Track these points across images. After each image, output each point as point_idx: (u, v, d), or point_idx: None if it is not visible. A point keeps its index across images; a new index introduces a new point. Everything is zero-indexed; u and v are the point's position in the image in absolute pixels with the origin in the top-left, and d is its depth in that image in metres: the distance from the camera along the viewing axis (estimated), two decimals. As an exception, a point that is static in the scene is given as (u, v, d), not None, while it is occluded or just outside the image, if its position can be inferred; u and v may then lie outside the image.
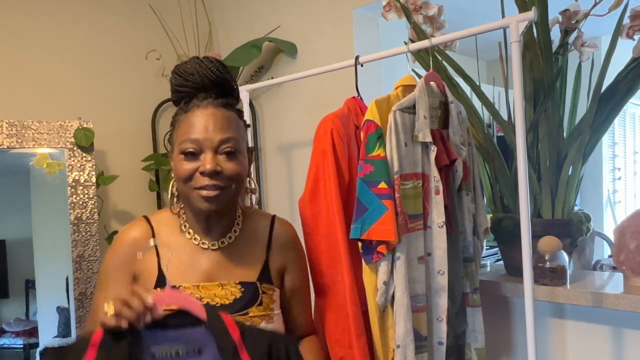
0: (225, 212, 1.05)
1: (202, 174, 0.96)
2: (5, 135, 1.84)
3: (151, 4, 2.30)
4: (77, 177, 1.92)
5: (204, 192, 0.96)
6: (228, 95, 1.04)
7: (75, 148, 1.94)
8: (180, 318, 0.84)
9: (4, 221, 1.82)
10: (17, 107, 1.93)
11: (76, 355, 0.77)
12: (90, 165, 1.96)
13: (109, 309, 0.79)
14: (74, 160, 1.94)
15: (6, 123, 1.84)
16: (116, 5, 2.21)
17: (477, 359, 1.39)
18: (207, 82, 1.01)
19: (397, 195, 1.17)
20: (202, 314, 0.84)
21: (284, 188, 2.20)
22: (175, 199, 1.08)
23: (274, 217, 1.16)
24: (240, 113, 1.06)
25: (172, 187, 1.06)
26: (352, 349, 1.19)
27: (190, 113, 0.99)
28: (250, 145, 1.10)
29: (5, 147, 1.83)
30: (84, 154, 1.96)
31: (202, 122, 0.97)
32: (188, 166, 0.97)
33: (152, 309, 0.81)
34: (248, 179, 1.10)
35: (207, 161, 0.96)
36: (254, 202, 1.16)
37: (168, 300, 0.84)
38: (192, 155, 0.97)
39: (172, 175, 1.04)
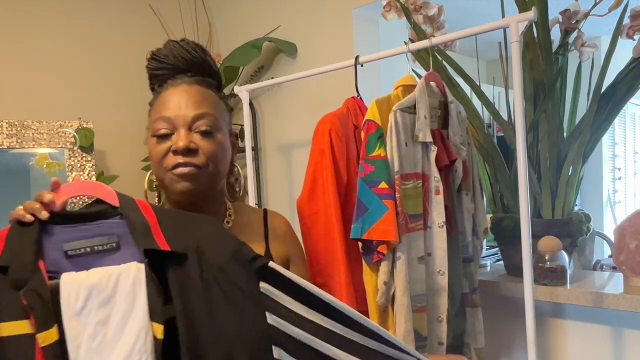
0: (209, 200, 0.95)
1: (175, 152, 0.88)
2: (5, 135, 1.84)
3: (151, 4, 2.30)
4: (77, 177, 1.92)
5: (178, 170, 0.87)
6: (206, 76, 0.98)
7: (75, 148, 1.94)
8: (95, 209, 0.74)
9: (4, 221, 1.82)
10: (17, 107, 1.93)
11: None
12: (90, 165, 1.96)
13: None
14: (74, 160, 1.94)
15: (6, 123, 1.84)
16: (116, 6, 2.21)
17: (476, 359, 1.39)
18: (182, 63, 0.96)
19: (397, 195, 1.17)
20: (113, 199, 0.75)
21: (284, 188, 2.20)
22: (156, 196, 1.01)
23: (265, 209, 1.09)
24: (220, 94, 0.98)
25: (149, 179, 0.99)
26: None
27: (163, 92, 0.93)
28: (237, 132, 1.01)
29: (5, 147, 1.83)
30: (84, 154, 1.96)
31: (174, 99, 0.90)
32: (161, 148, 0.89)
33: (51, 203, 0.73)
34: (234, 167, 1.03)
35: (179, 138, 0.87)
36: (242, 186, 1.08)
37: (77, 190, 0.78)
38: (165, 136, 0.89)
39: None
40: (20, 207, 0.74)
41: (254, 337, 0.71)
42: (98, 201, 0.76)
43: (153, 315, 0.67)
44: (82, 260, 0.72)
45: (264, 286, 0.73)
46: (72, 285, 0.67)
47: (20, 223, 0.72)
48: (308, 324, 0.73)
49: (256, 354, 0.71)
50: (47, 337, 0.64)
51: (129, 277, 0.68)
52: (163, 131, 0.89)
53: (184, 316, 0.69)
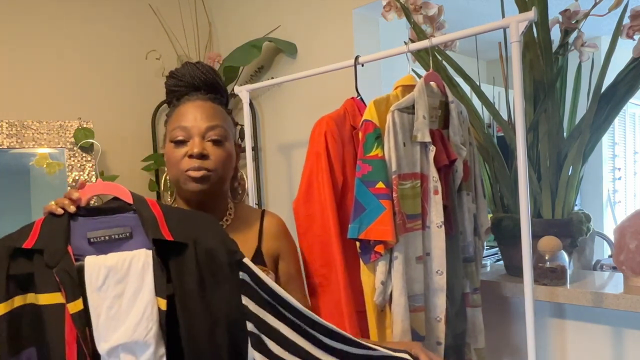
0: (214, 199, 1.10)
1: (190, 156, 1.03)
2: (5, 135, 1.84)
3: (151, 4, 2.30)
4: (77, 177, 1.92)
5: (192, 173, 1.03)
6: (217, 94, 1.14)
7: (75, 148, 1.94)
8: (113, 205, 0.91)
9: (3, 221, 1.82)
10: (17, 107, 1.93)
11: (22, 235, 0.85)
12: (90, 165, 1.96)
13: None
14: (74, 160, 1.94)
15: (6, 123, 1.84)
16: (116, 6, 2.21)
17: (477, 359, 1.39)
18: (197, 82, 1.11)
19: (394, 195, 1.17)
20: (128, 198, 0.91)
21: (284, 188, 2.20)
22: (169, 193, 1.14)
23: (263, 210, 1.22)
24: (228, 110, 1.14)
25: (165, 179, 1.12)
26: None
27: (181, 106, 1.08)
28: (241, 142, 1.16)
29: (5, 147, 1.83)
30: (84, 154, 1.96)
31: (191, 112, 1.06)
32: (178, 152, 1.05)
33: (78, 200, 0.90)
34: (238, 172, 1.16)
35: (194, 145, 1.03)
36: (246, 189, 1.20)
37: (98, 189, 0.94)
38: (182, 143, 1.05)
39: (165, 168, 1.11)
40: (53, 202, 0.90)
41: (233, 311, 0.87)
42: (115, 199, 0.91)
43: (158, 292, 0.83)
44: (101, 246, 0.88)
45: (242, 274, 0.89)
46: (94, 266, 0.83)
47: (52, 215, 0.88)
48: (272, 309, 0.89)
49: (234, 324, 0.87)
50: (75, 306, 0.80)
51: (140, 260, 0.84)
52: (180, 138, 1.05)
53: (179, 293, 0.85)
